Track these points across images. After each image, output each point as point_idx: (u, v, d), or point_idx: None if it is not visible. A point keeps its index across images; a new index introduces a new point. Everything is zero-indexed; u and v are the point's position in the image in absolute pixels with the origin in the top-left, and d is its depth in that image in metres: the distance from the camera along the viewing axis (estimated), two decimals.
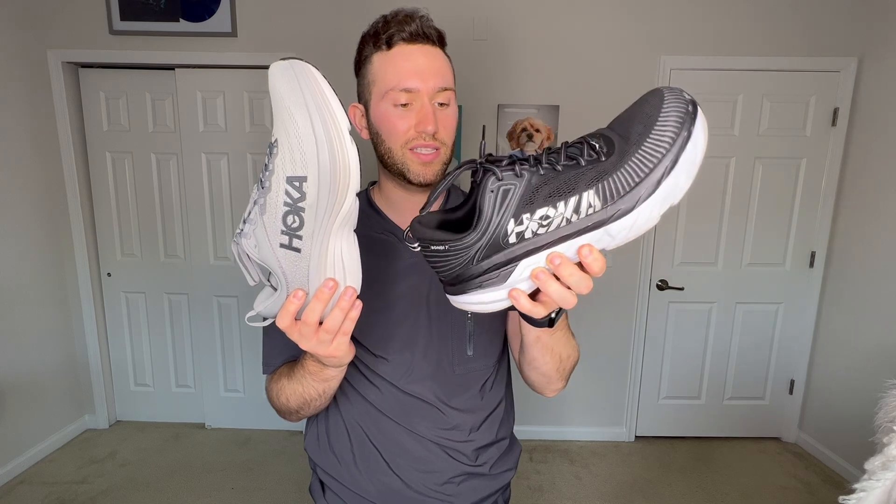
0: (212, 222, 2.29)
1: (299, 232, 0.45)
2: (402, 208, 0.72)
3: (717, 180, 2.21)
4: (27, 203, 2.10)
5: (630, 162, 0.38)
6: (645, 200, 0.38)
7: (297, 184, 0.43)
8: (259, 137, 2.22)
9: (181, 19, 2.07)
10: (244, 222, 0.46)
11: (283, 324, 0.46)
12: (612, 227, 0.40)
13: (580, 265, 0.42)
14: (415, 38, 0.62)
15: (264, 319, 0.52)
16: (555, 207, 0.39)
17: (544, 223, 0.39)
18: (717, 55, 2.09)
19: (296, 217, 0.44)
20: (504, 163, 0.40)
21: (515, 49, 2.10)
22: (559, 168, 0.39)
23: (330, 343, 0.48)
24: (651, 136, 0.38)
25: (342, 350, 0.49)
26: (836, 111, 2.13)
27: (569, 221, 0.39)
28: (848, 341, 2.14)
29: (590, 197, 0.39)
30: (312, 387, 0.59)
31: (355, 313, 0.47)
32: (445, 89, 0.64)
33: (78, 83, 2.23)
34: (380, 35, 0.63)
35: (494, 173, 0.39)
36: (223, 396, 2.45)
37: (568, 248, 0.41)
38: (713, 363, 2.37)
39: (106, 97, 2.24)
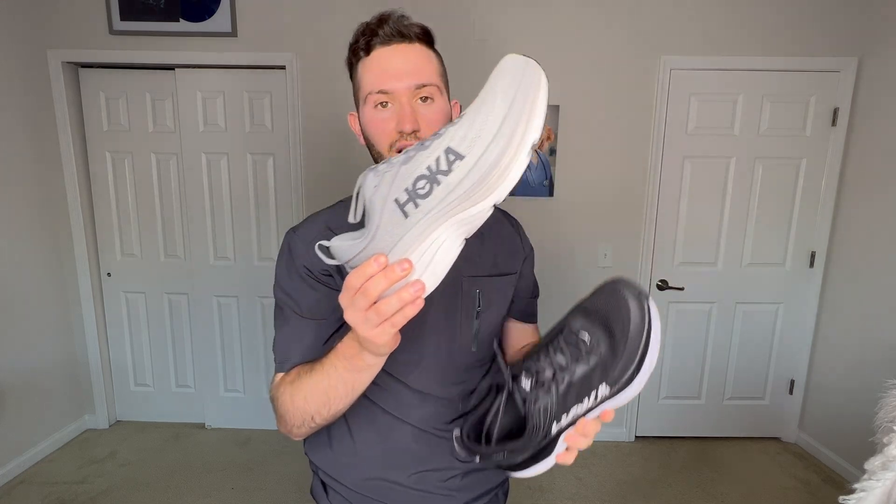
0: (212, 222, 2.29)
1: (420, 201, 0.42)
2: None
3: (717, 180, 2.21)
4: (27, 203, 2.10)
5: (622, 358, 0.51)
6: (635, 379, 0.51)
7: (451, 157, 0.41)
8: (259, 137, 2.22)
9: (181, 19, 2.07)
10: (387, 162, 0.44)
11: (354, 281, 0.43)
12: (617, 399, 0.53)
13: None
14: (390, 39, 0.63)
15: (329, 257, 0.49)
16: (581, 403, 0.52)
17: (574, 416, 0.53)
18: (717, 55, 2.09)
19: (428, 185, 0.42)
20: (532, 381, 0.53)
21: (516, 49, 2.10)
22: (573, 368, 0.52)
23: (374, 326, 0.45)
24: (630, 329, 0.50)
25: (383, 339, 0.46)
26: (836, 111, 2.13)
27: (590, 408, 0.53)
28: (848, 341, 2.14)
29: (602, 389, 0.51)
30: (342, 379, 0.55)
31: (412, 311, 0.44)
32: (425, 85, 0.63)
33: (78, 83, 2.23)
34: (359, 42, 0.64)
35: (536, 397, 0.52)
36: (223, 396, 2.45)
37: (588, 417, 0.55)
38: (713, 363, 2.37)
39: (106, 97, 2.24)
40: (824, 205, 2.21)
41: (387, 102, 0.63)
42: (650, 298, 0.52)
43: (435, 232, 0.43)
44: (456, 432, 0.59)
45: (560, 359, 0.52)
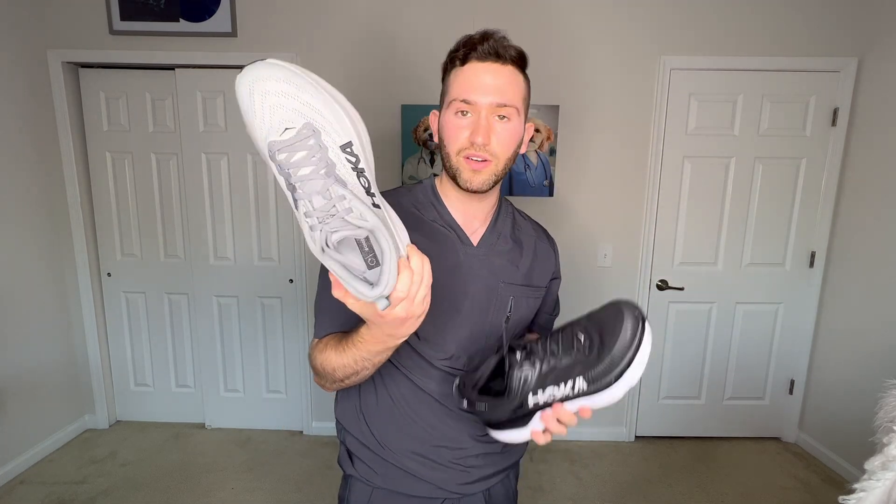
0: (212, 222, 2.29)
1: (371, 189, 0.49)
2: (458, 208, 0.79)
3: (717, 180, 2.21)
4: (27, 203, 2.10)
5: (604, 360, 0.59)
6: (613, 386, 0.59)
7: (349, 149, 0.47)
8: None
9: (181, 19, 2.07)
10: (329, 213, 0.46)
11: (403, 291, 0.48)
12: (594, 398, 0.61)
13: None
14: (485, 56, 0.69)
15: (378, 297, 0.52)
16: (558, 387, 0.60)
17: (551, 397, 0.61)
18: (717, 55, 2.09)
19: (364, 178, 0.48)
20: (523, 354, 0.62)
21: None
22: (560, 360, 0.60)
23: (425, 299, 0.51)
24: (618, 343, 0.58)
25: (426, 308, 0.53)
26: (836, 111, 2.13)
27: (566, 396, 0.61)
28: (848, 341, 2.14)
29: (580, 382, 0.60)
30: (368, 360, 0.62)
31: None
32: (505, 105, 0.69)
33: (78, 83, 2.23)
34: (458, 52, 0.71)
35: (517, 365, 0.61)
36: (223, 396, 2.45)
37: (567, 405, 0.63)
38: (713, 363, 2.37)
39: (106, 97, 2.24)
40: (824, 205, 2.21)
41: (467, 112, 0.69)
42: (647, 324, 0.59)
43: (382, 200, 0.51)
44: (456, 381, 0.68)
45: (553, 346, 0.62)
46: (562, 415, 0.61)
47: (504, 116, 0.69)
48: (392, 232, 0.49)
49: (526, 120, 0.75)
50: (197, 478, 2.06)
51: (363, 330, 0.59)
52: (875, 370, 1.96)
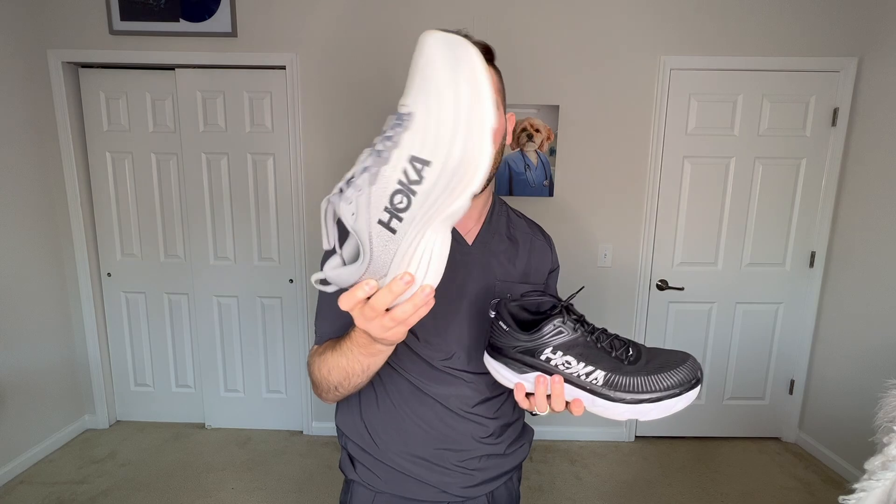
0: (212, 222, 2.29)
1: (402, 214, 0.42)
2: None
3: (717, 180, 2.21)
4: (27, 203, 2.10)
5: (636, 378, 0.57)
6: (622, 404, 0.57)
7: (418, 166, 0.41)
8: (259, 137, 2.22)
9: (181, 19, 2.07)
10: (348, 184, 0.43)
11: (346, 305, 0.46)
12: (597, 401, 0.58)
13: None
14: None
15: (326, 284, 0.49)
16: (577, 362, 0.58)
17: (565, 365, 0.58)
18: (717, 55, 2.09)
19: (405, 198, 0.41)
20: (574, 316, 0.60)
21: (515, 49, 2.11)
22: (598, 345, 0.59)
23: (388, 330, 0.48)
24: (659, 375, 0.57)
25: (398, 337, 0.51)
26: (836, 111, 2.13)
27: (578, 376, 0.58)
28: (848, 341, 2.14)
29: (599, 374, 0.58)
30: (357, 361, 0.61)
31: (425, 311, 0.47)
32: None
33: (78, 83, 2.23)
34: None
35: (563, 318, 0.59)
36: (223, 396, 2.45)
37: (567, 388, 0.60)
38: (713, 363, 2.37)
39: (106, 97, 2.24)
40: (824, 205, 2.21)
41: None
42: (698, 389, 0.58)
43: (425, 236, 0.44)
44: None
45: (602, 335, 0.60)
46: (556, 390, 0.59)
47: None
48: (375, 257, 0.44)
49: (505, 111, 0.74)
50: (197, 478, 2.06)
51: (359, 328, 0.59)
52: (875, 370, 1.96)
